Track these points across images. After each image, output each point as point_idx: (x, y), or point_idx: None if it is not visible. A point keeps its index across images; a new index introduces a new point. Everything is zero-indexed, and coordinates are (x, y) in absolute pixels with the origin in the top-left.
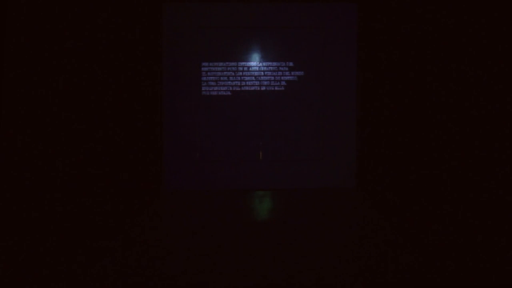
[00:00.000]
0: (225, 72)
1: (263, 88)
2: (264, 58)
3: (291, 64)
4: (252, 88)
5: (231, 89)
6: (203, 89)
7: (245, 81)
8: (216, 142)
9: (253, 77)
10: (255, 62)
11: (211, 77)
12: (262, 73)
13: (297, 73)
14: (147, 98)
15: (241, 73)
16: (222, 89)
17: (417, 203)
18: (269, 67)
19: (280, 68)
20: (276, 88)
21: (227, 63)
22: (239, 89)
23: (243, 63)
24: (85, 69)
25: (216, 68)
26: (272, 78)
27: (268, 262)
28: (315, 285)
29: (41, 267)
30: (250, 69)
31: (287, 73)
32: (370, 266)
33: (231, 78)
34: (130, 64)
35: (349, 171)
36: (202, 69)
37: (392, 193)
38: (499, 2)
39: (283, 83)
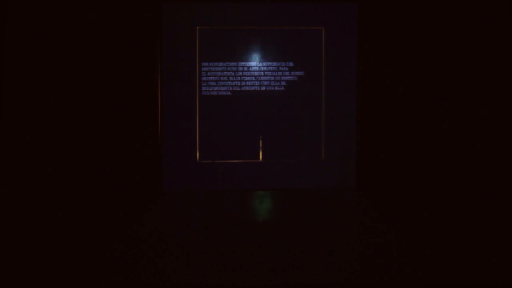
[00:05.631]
0: (225, 72)
1: (263, 88)
2: (264, 58)
3: (291, 64)
4: (252, 88)
5: (231, 89)
6: (203, 89)
7: (245, 81)
8: (216, 142)
9: (253, 77)
10: (255, 62)
11: (211, 77)
12: (262, 73)
13: (297, 73)
14: (147, 98)
15: (241, 73)
16: (222, 89)
17: (417, 203)
18: (269, 67)
19: (280, 68)
20: (276, 88)
21: (227, 63)
22: (239, 89)
23: (243, 63)
24: (84, 70)
25: (216, 68)
26: (272, 78)
27: (268, 262)
28: (315, 285)
29: (42, 267)
30: (250, 69)
31: (287, 73)
32: (369, 266)
33: (231, 78)
34: (130, 64)
35: (349, 170)
36: (202, 69)
37: (392, 193)
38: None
39: (283, 83)
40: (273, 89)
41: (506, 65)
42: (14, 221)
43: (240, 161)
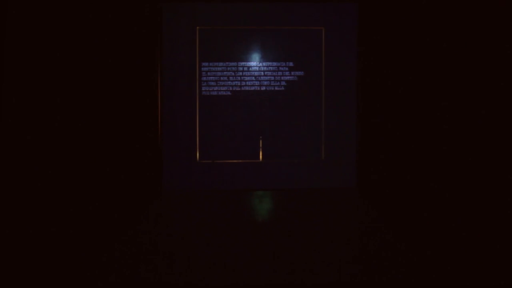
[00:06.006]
0: (225, 72)
1: (263, 88)
2: (264, 58)
3: (291, 64)
4: (252, 88)
5: (231, 89)
6: (203, 89)
7: (245, 81)
8: (216, 142)
9: (253, 77)
10: (255, 62)
11: (211, 77)
12: (262, 73)
13: (297, 73)
14: (147, 98)
15: (241, 73)
16: (222, 89)
17: (416, 203)
18: (269, 67)
19: (280, 68)
20: (276, 88)
21: (227, 63)
22: (239, 89)
23: (243, 63)
24: (84, 70)
25: (216, 68)
26: (272, 78)
27: (268, 262)
28: (315, 285)
29: (42, 266)
30: (250, 69)
31: (287, 73)
32: (369, 266)
33: (231, 78)
34: (130, 64)
35: (349, 170)
36: (202, 69)
37: (392, 193)
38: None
39: (283, 83)
40: (273, 89)
41: (506, 65)
42: (14, 221)
43: (240, 161)
